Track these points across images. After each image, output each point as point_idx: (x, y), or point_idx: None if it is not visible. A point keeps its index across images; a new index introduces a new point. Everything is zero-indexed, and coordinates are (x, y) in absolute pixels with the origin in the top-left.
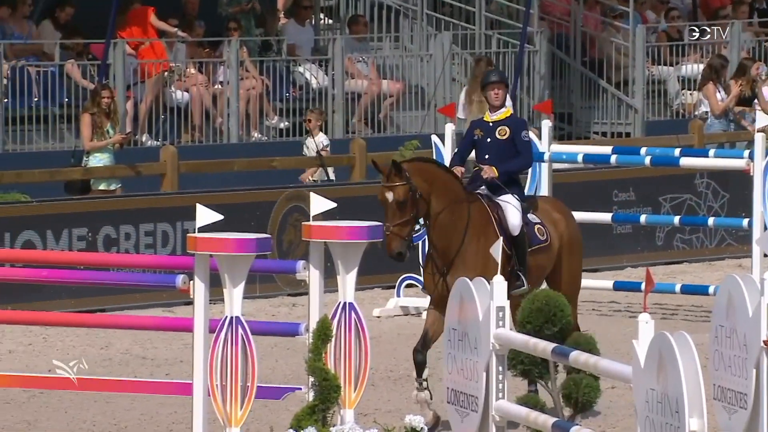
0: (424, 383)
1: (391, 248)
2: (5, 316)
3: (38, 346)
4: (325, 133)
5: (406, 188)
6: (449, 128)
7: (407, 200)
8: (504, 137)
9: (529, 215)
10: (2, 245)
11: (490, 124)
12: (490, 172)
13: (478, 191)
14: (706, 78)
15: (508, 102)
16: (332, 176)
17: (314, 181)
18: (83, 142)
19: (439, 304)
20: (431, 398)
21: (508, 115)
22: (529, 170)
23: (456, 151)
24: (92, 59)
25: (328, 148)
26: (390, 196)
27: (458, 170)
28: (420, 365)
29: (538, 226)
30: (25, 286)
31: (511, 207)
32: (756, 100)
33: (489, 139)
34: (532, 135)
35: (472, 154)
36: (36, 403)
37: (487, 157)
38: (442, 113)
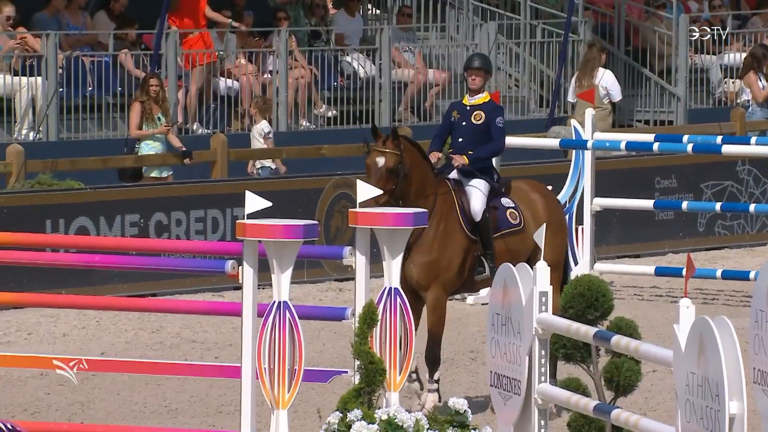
0: (413, 375)
1: None
2: (60, 300)
3: (92, 330)
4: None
5: (397, 158)
6: None
7: (395, 170)
8: (479, 122)
9: (502, 199)
10: (57, 231)
11: (467, 107)
12: (460, 159)
13: (448, 177)
14: (748, 67)
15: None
16: (282, 168)
17: (258, 172)
18: (130, 129)
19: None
20: (421, 388)
21: (486, 100)
22: (572, 158)
23: (436, 133)
24: (145, 49)
25: (270, 136)
26: (381, 161)
27: (434, 156)
28: None
29: (511, 210)
30: (79, 271)
31: (475, 192)
32: None
33: (464, 123)
34: (574, 123)
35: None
36: (89, 385)
37: (460, 140)
38: None
